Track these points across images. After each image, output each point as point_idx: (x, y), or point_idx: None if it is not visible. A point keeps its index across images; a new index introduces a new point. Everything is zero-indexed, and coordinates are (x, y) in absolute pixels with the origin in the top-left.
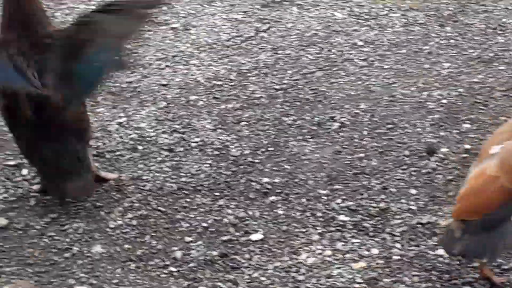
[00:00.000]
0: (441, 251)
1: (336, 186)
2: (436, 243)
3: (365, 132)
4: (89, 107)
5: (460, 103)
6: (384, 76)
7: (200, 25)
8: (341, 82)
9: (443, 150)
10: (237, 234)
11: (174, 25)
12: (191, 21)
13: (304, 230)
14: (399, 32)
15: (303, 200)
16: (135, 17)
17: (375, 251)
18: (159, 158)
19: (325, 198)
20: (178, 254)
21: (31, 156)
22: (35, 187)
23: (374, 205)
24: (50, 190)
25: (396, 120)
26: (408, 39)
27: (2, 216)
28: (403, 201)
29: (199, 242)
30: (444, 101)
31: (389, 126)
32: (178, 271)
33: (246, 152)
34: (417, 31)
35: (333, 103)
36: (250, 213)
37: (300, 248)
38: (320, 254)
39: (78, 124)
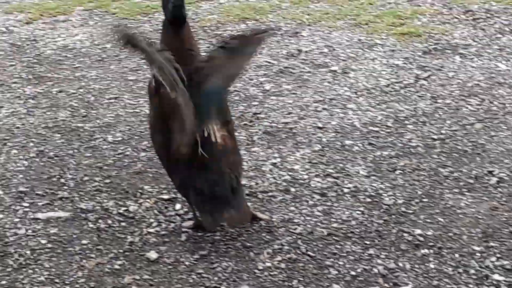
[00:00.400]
0: None
1: (492, 243)
2: None
3: None
4: (244, 146)
5: None
6: None
7: (360, 69)
8: (501, 135)
9: None
10: (386, 285)
11: (333, 68)
12: (351, 65)
13: (455, 286)
14: None
15: (456, 255)
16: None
17: None
18: (311, 202)
19: (479, 255)
20: None
21: (185, 189)
22: (187, 223)
23: None
24: (205, 221)
25: None
26: None
27: (153, 250)
28: None
29: None
30: None
31: None
32: None
33: (400, 201)
34: None
35: (492, 157)
36: (401, 264)
37: None
38: None
39: (232, 155)
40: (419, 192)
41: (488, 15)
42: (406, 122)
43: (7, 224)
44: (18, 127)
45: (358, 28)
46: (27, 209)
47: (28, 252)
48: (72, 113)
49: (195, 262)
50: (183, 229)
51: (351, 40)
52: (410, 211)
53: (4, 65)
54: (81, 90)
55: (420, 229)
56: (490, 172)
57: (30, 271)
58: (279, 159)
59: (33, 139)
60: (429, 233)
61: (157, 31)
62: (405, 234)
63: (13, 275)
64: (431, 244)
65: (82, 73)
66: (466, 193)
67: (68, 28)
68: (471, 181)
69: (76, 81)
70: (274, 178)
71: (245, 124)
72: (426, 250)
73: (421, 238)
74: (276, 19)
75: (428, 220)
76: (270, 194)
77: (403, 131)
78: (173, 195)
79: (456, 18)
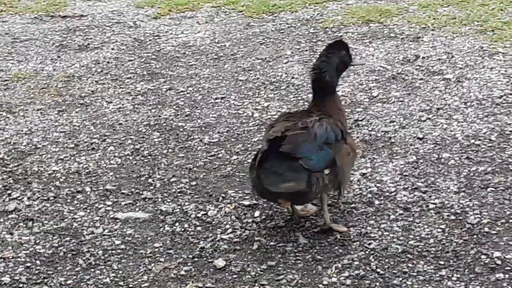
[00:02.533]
0: None
1: None
2: None
3: None
4: None
5: None
6: None
7: (475, 78)
8: None
9: None
10: None
11: (447, 76)
12: (467, 73)
13: None
14: None
15: None
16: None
17: None
18: (393, 216)
19: None
20: None
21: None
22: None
23: None
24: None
25: None
26: None
27: (222, 257)
28: None
29: None
30: None
31: None
32: None
33: (485, 220)
34: None
35: None
36: None
37: None
38: None
39: None
40: (508, 212)
41: None
42: (511, 136)
43: (86, 223)
44: (120, 123)
45: (482, 35)
46: (109, 208)
47: (100, 252)
48: (176, 112)
49: (261, 272)
50: (256, 238)
51: (472, 47)
52: (494, 232)
53: (123, 60)
54: (190, 88)
55: (500, 251)
56: None
57: (98, 271)
58: (370, 169)
59: (131, 136)
60: (508, 256)
61: (279, 30)
62: (482, 256)
63: (80, 275)
64: (508, 268)
65: (196, 71)
66: None
67: (193, 24)
68: None
69: (188, 79)
70: (360, 189)
71: None
72: (501, 275)
73: (499, 262)
74: (400, 23)
75: (511, 243)
76: (352, 205)
77: (505, 146)
78: (255, 202)
79: None
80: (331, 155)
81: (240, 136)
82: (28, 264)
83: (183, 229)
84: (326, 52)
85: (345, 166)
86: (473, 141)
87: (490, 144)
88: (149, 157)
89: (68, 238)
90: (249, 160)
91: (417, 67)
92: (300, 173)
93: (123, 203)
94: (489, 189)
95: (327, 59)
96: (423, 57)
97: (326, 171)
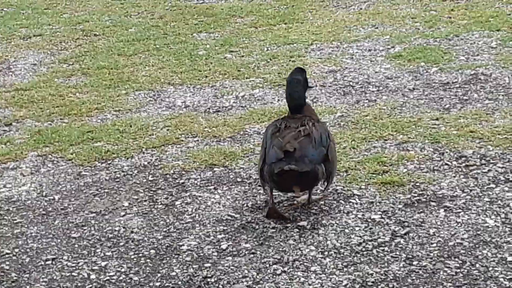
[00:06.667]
0: None
1: None
2: None
3: None
4: None
5: None
6: None
7: (331, 225)
8: None
9: None
10: None
11: (301, 223)
12: (321, 219)
13: None
14: None
15: None
16: None
17: None
18: None
19: None
20: None
21: None
22: None
23: None
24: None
25: None
26: None
27: None
28: None
29: None
30: None
31: None
32: None
33: None
34: None
35: None
36: None
37: None
38: None
39: None
40: None
41: (483, 161)
42: None
43: None
44: None
45: (336, 176)
46: None
47: None
48: (1, 278)
49: None
50: None
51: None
52: None
53: None
54: (16, 249)
55: None
56: None
57: None
58: None
59: None
60: None
61: (114, 179)
62: None
63: None
64: None
65: (22, 229)
66: None
67: (17, 176)
68: None
69: (14, 238)
70: None
71: None
72: None
73: None
74: (246, 166)
75: None
76: None
77: None
78: None
79: (447, 164)
80: (324, 152)
81: None
82: None
83: None
84: (293, 79)
85: (334, 160)
86: None
87: None
88: None
89: None
90: None
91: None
92: (307, 163)
93: None
94: None
95: (298, 81)
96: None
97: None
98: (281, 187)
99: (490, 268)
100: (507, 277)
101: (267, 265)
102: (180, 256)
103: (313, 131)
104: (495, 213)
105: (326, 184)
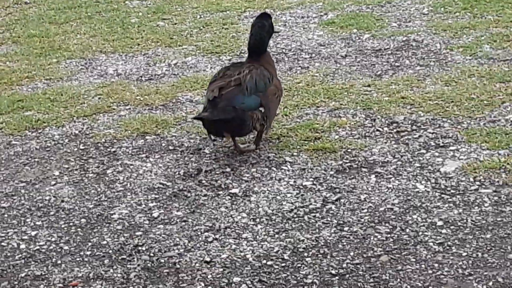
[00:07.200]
0: None
1: None
2: None
3: None
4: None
5: None
6: (459, 265)
7: (263, 192)
8: (408, 269)
9: None
10: None
11: (233, 190)
12: (253, 187)
13: None
14: (487, 212)
15: None
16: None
17: None
18: None
19: None
20: None
21: None
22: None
23: None
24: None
25: None
26: (496, 222)
27: None
28: None
29: None
30: None
31: None
32: None
33: None
34: (509, 212)
35: None
36: None
37: None
38: None
39: None
40: None
41: (414, 127)
42: (305, 254)
43: None
44: None
45: (268, 143)
46: None
47: None
48: None
49: None
50: None
51: (258, 157)
52: None
53: None
54: None
55: None
56: None
57: None
58: None
59: None
60: None
61: (44, 148)
62: None
63: None
64: None
65: None
66: None
67: None
68: None
69: None
70: None
71: (122, 259)
72: None
73: None
74: (178, 134)
75: None
76: None
77: (299, 265)
78: None
79: (379, 130)
80: (260, 98)
81: (5, 272)
82: None
83: None
84: (259, 21)
85: (272, 105)
86: (264, 261)
87: (283, 264)
88: None
89: None
90: None
91: (200, 182)
92: (228, 111)
93: None
94: None
95: (262, 26)
96: (206, 171)
97: (261, 109)
98: (213, 134)
99: (420, 233)
100: (437, 242)
101: (199, 233)
102: (111, 225)
103: (246, 79)
104: (425, 178)
105: (265, 127)
